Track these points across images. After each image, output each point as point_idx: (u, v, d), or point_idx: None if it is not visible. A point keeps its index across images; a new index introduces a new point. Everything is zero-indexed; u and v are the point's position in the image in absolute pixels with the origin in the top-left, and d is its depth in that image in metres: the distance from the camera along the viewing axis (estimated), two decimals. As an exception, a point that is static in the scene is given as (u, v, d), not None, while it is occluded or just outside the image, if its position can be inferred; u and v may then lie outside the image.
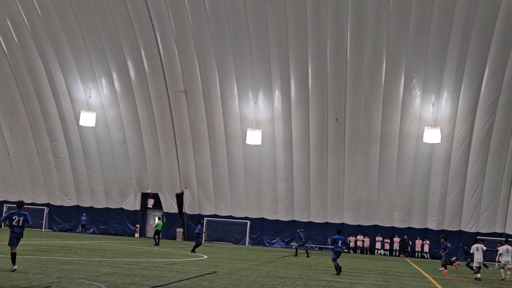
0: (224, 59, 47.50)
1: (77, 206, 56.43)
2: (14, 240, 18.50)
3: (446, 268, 33.26)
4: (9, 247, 18.48)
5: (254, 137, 47.78)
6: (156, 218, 50.69)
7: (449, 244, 33.91)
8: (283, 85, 47.61)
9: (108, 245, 37.42)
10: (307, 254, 39.49)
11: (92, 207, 56.11)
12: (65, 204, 56.67)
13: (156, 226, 44.36)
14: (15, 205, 19.60)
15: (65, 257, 25.05)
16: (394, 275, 26.97)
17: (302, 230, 41.40)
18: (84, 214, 55.87)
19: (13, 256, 18.12)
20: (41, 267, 19.54)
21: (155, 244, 42.05)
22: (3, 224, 29.49)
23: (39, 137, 54.19)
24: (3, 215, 18.61)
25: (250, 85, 48.38)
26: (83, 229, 56.03)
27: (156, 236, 43.58)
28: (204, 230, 47.05)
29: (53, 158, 54.71)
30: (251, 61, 47.16)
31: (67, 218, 57.07)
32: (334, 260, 25.22)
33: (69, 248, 31.24)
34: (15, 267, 17.98)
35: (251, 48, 46.52)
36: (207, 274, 21.16)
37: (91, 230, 56.41)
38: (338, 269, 24.96)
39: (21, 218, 18.73)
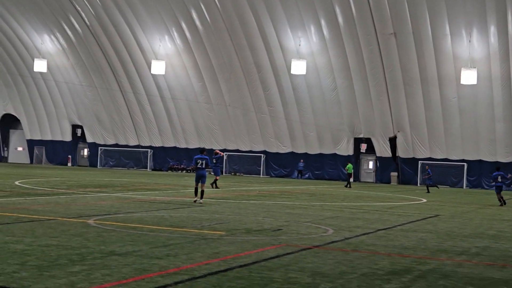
0: (435, -3, 45.90)
1: (292, 153, 58.16)
2: (200, 178, 22.81)
3: None
4: (195, 184, 23.02)
5: (469, 77, 45.84)
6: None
7: None
8: (499, 19, 45.07)
9: (326, 190, 38.29)
10: (428, 190, 41.00)
11: (306, 153, 57.51)
12: (281, 151, 58.64)
13: (347, 170, 45.45)
14: (200, 151, 24.14)
15: (287, 201, 26.02)
16: None
17: (428, 167, 44.05)
18: (301, 160, 57.36)
19: (196, 190, 22.92)
20: (267, 211, 20.48)
21: (346, 186, 43.86)
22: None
23: (253, 87, 56.19)
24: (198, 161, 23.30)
25: (462, 22, 46.38)
26: (299, 174, 57.63)
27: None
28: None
29: (267, 107, 56.58)
30: (464, -3, 45.12)
31: (283, 164, 59.12)
32: (497, 194, 28.63)
33: (289, 193, 32.39)
34: (196, 198, 22.67)
35: (463, -17, 44.47)
36: (429, 217, 20.98)
37: (306, 175, 57.89)
38: (502, 201, 28.38)
39: (204, 161, 23.04)
